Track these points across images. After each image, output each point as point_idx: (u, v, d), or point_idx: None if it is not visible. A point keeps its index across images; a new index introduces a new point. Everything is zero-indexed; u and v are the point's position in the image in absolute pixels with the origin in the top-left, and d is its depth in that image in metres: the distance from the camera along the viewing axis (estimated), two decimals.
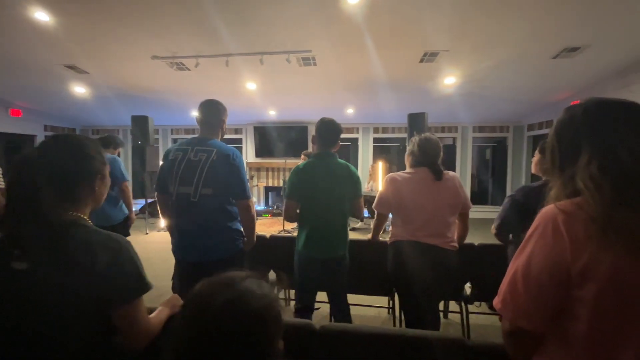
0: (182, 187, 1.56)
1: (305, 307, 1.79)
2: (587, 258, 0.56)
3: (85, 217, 0.81)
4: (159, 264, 3.85)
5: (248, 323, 0.56)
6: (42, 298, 0.69)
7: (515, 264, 0.65)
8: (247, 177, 1.68)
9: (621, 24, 3.05)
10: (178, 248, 1.64)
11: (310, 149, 5.78)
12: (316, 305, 1.87)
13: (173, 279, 1.70)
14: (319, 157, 1.77)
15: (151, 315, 0.89)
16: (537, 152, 1.73)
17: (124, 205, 2.93)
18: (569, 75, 4.26)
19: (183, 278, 1.65)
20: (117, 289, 0.74)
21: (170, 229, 1.69)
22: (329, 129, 1.76)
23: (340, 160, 1.79)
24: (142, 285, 0.78)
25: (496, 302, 0.67)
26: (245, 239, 1.70)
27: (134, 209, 3.12)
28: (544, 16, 2.99)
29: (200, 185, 1.53)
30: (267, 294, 0.61)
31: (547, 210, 0.63)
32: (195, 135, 1.68)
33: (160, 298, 3.37)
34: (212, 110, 1.68)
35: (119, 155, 3.14)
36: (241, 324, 0.55)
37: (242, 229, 1.68)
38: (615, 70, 4.05)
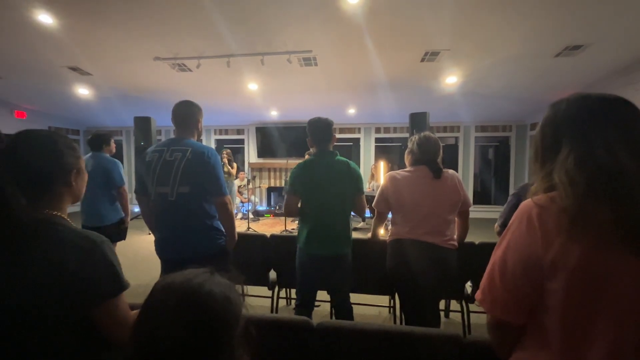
0: (160, 187, 1.58)
1: (305, 304, 1.80)
2: (557, 249, 0.57)
3: (62, 214, 0.80)
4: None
5: (198, 326, 0.54)
6: (9, 298, 0.68)
7: (494, 257, 0.66)
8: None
9: (623, 22, 3.03)
10: (159, 247, 1.66)
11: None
12: (317, 304, 1.88)
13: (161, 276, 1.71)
14: (319, 155, 1.79)
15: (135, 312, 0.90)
16: None
17: (119, 208, 2.94)
18: (571, 73, 4.24)
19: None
20: (90, 288, 0.73)
21: (152, 229, 1.72)
22: (318, 128, 1.78)
23: (340, 157, 1.79)
24: (117, 284, 0.77)
25: (477, 294, 0.69)
26: (226, 237, 1.70)
27: (137, 210, 3.13)
28: (545, 14, 2.97)
29: (177, 184, 1.55)
30: (227, 297, 0.59)
31: (524, 204, 0.64)
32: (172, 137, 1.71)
33: None
34: (187, 111, 1.70)
35: (114, 150, 3.12)
36: (190, 327, 0.54)
37: (222, 228, 1.69)
38: (619, 68, 4.02)
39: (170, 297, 0.57)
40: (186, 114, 1.69)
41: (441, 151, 1.75)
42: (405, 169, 1.75)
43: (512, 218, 0.65)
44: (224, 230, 1.69)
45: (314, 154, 1.82)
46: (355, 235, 1.98)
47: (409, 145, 1.78)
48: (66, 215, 0.82)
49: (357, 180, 1.78)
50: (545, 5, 2.83)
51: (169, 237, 1.62)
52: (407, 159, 1.78)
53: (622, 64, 3.92)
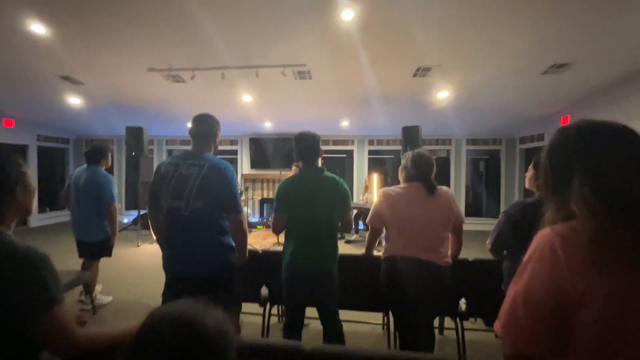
0: (174, 201, 1.54)
1: (294, 325, 1.75)
2: (586, 282, 0.56)
3: (7, 229, 0.81)
4: (150, 277, 3.78)
5: (191, 358, 0.54)
6: None
7: (515, 289, 0.64)
8: (241, 189, 1.68)
9: (605, 42, 3.15)
10: (169, 263, 1.61)
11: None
12: (307, 321, 1.83)
13: (163, 295, 1.66)
14: (305, 170, 1.76)
15: (103, 331, 0.90)
16: (530, 167, 1.74)
17: (108, 225, 2.88)
18: (558, 90, 4.37)
19: (173, 294, 1.61)
20: (22, 303, 0.74)
21: (161, 243, 1.67)
22: (304, 143, 1.75)
23: (327, 173, 1.77)
24: (49, 300, 0.77)
25: (497, 327, 0.66)
26: (237, 253, 1.67)
27: (126, 220, 3.08)
28: (531, 34, 3.08)
29: (191, 199, 1.52)
30: (221, 330, 0.59)
31: (544, 234, 0.63)
32: (188, 149, 1.68)
33: None
34: (206, 124, 1.68)
35: (110, 164, 3.08)
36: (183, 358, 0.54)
37: (233, 244, 1.66)
38: (602, 85, 4.16)
39: (163, 327, 0.57)
40: (205, 128, 1.67)
41: (435, 168, 1.76)
42: (399, 186, 1.75)
43: (531, 248, 0.64)
44: (234, 246, 1.65)
45: (300, 169, 1.79)
46: (348, 251, 1.96)
47: (403, 161, 1.78)
48: (11, 230, 0.83)
49: (344, 197, 1.75)
50: (532, 25, 2.93)
51: (180, 253, 1.57)
52: (400, 175, 1.79)
53: (605, 82, 4.06)
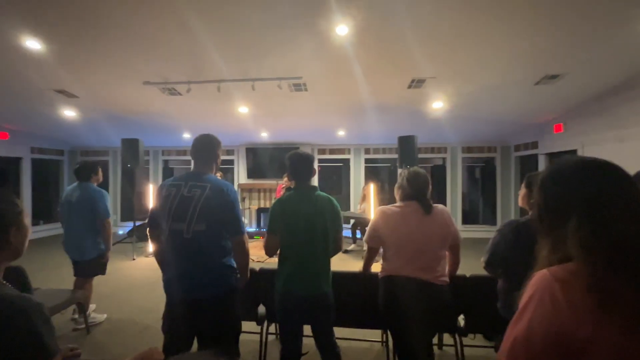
0: (176, 223, 1.53)
1: (291, 354, 1.70)
2: (588, 329, 0.55)
3: None
4: (146, 294, 3.72)
5: None
6: None
7: (514, 332, 0.63)
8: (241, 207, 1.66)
9: (597, 52, 3.21)
10: (170, 285, 1.59)
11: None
12: (306, 349, 1.78)
13: (163, 317, 1.63)
14: (299, 189, 1.74)
15: None
16: (523, 186, 1.75)
17: (101, 241, 2.84)
18: (550, 100, 4.43)
19: (174, 316, 1.59)
20: (11, 356, 0.71)
21: (162, 265, 1.65)
22: (298, 163, 1.73)
23: (321, 192, 1.75)
24: (42, 353, 0.74)
25: None
26: (238, 275, 1.65)
27: (121, 232, 3.05)
28: (524, 46, 3.13)
29: (193, 222, 1.51)
30: None
31: (542, 277, 0.62)
32: (185, 159, 1.67)
33: (144, 332, 3.22)
34: (207, 145, 1.67)
35: (102, 179, 3.05)
36: None
37: (234, 265, 1.64)
38: (594, 94, 4.23)
39: None
40: (206, 149, 1.66)
41: (430, 186, 1.76)
42: (395, 204, 1.75)
43: (529, 291, 0.63)
44: (236, 267, 1.64)
45: (294, 188, 1.77)
46: (346, 260, 1.94)
47: (399, 180, 1.79)
48: (1, 275, 0.81)
49: (338, 217, 1.73)
50: (524, 37, 2.98)
51: (181, 276, 1.55)
52: (397, 193, 1.79)
53: (597, 91, 4.13)
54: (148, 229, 1.68)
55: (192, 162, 1.68)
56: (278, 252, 1.76)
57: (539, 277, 0.62)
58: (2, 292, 0.75)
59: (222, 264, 1.57)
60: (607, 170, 0.64)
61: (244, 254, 1.62)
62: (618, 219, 0.58)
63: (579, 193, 0.63)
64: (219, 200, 1.53)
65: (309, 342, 1.81)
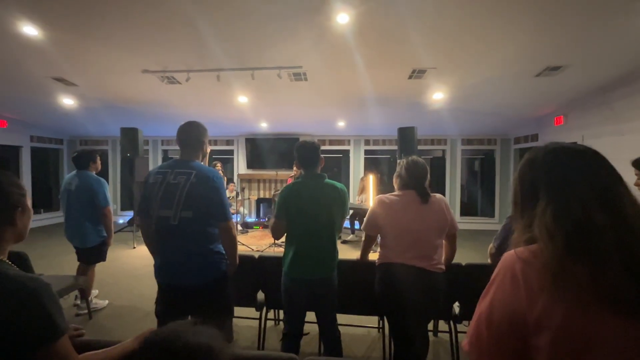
0: (162, 210, 1.55)
1: (294, 334, 1.76)
2: (541, 307, 0.58)
3: (3, 255, 0.81)
4: (146, 281, 3.77)
5: None
6: None
7: (480, 308, 0.66)
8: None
9: (598, 45, 3.19)
10: (160, 272, 1.62)
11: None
12: (307, 330, 1.84)
13: (156, 302, 1.66)
14: (307, 177, 1.78)
15: (104, 350, 0.91)
16: None
17: (102, 229, 2.86)
18: (551, 92, 4.41)
19: (166, 302, 1.62)
20: (23, 335, 0.73)
21: (153, 252, 1.67)
22: (305, 152, 1.77)
23: (328, 180, 1.78)
24: (52, 331, 0.76)
25: (464, 343, 0.68)
26: (227, 261, 1.67)
27: (122, 221, 3.07)
28: (526, 37, 3.10)
29: (180, 208, 1.52)
30: (209, 347, 0.63)
31: (507, 257, 0.64)
32: (177, 158, 1.68)
33: (146, 317, 3.27)
34: (192, 132, 1.67)
35: (100, 167, 3.05)
36: None
37: (223, 251, 1.66)
38: (595, 87, 4.21)
39: (153, 352, 0.62)
40: (191, 136, 1.66)
41: (429, 175, 1.78)
42: (393, 193, 1.77)
43: (497, 269, 0.66)
44: (225, 254, 1.66)
45: (302, 176, 1.81)
46: (345, 251, 1.98)
47: (397, 169, 1.80)
48: (5, 257, 0.83)
49: (345, 205, 1.78)
50: (526, 29, 2.96)
51: (171, 263, 1.57)
52: (395, 182, 1.81)
53: (598, 83, 4.11)
54: (137, 217, 1.69)
55: (180, 149, 1.68)
56: (284, 236, 1.80)
57: (505, 257, 0.65)
58: (12, 273, 0.77)
59: (210, 251, 1.59)
60: (576, 155, 0.66)
61: (231, 240, 1.63)
62: (580, 202, 0.60)
63: (546, 177, 0.65)
64: (204, 186, 1.54)
65: (311, 328, 1.85)
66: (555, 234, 0.59)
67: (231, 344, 1.80)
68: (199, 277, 1.56)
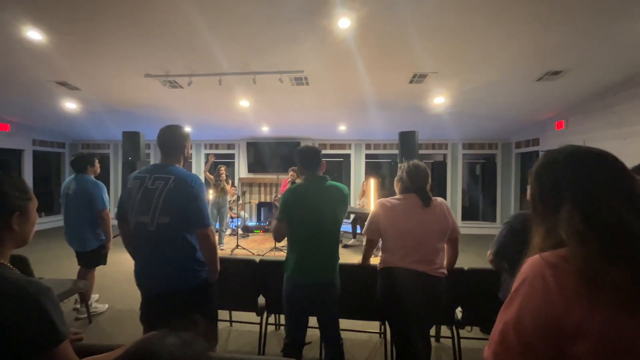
0: (140, 216, 1.51)
1: (295, 343, 1.72)
2: (579, 314, 0.56)
3: (3, 260, 0.79)
4: None
5: None
6: None
7: (505, 317, 0.63)
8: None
9: (599, 49, 3.20)
10: (139, 278, 1.59)
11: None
12: (309, 339, 1.80)
13: (140, 308, 1.62)
14: (309, 180, 1.76)
15: (102, 355, 0.89)
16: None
17: (101, 232, 2.86)
18: (552, 96, 4.42)
19: (146, 309, 1.58)
20: (22, 340, 0.72)
21: (133, 257, 1.65)
22: (306, 157, 1.75)
23: (330, 182, 1.77)
24: (53, 336, 0.75)
25: (487, 354, 0.65)
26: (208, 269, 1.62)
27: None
28: (527, 42, 3.11)
29: (157, 214, 1.48)
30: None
31: (534, 262, 0.62)
32: (157, 162, 1.65)
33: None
34: (172, 136, 1.62)
35: (99, 171, 3.05)
36: None
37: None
38: (596, 91, 4.22)
39: None
40: (170, 140, 1.62)
41: (430, 179, 1.77)
42: (395, 197, 1.77)
43: (521, 276, 0.63)
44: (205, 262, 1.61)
45: (304, 179, 1.80)
46: (346, 255, 1.96)
47: (399, 173, 1.80)
48: (7, 260, 0.81)
49: (347, 204, 1.78)
50: (527, 34, 2.97)
51: (148, 269, 1.54)
52: (396, 186, 1.80)
53: (599, 88, 4.12)
54: (117, 221, 1.66)
55: (160, 153, 1.65)
56: (286, 241, 1.79)
57: (531, 262, 0.63)
58: (13, 277, 0.76)
59: (189, 258, 1.53)
60: (599, 158, 0.65)
61: (210, 247, 1.56)
62: (610, 205, 0.59)
63: (571, 180, 0.64)
64: (182, 192, 1.49)
65: (313, 334, 1.83)
66: (588, 239, 0.57)
67: (213, 348, 1.75)
68: (178, 284, 1.52)
